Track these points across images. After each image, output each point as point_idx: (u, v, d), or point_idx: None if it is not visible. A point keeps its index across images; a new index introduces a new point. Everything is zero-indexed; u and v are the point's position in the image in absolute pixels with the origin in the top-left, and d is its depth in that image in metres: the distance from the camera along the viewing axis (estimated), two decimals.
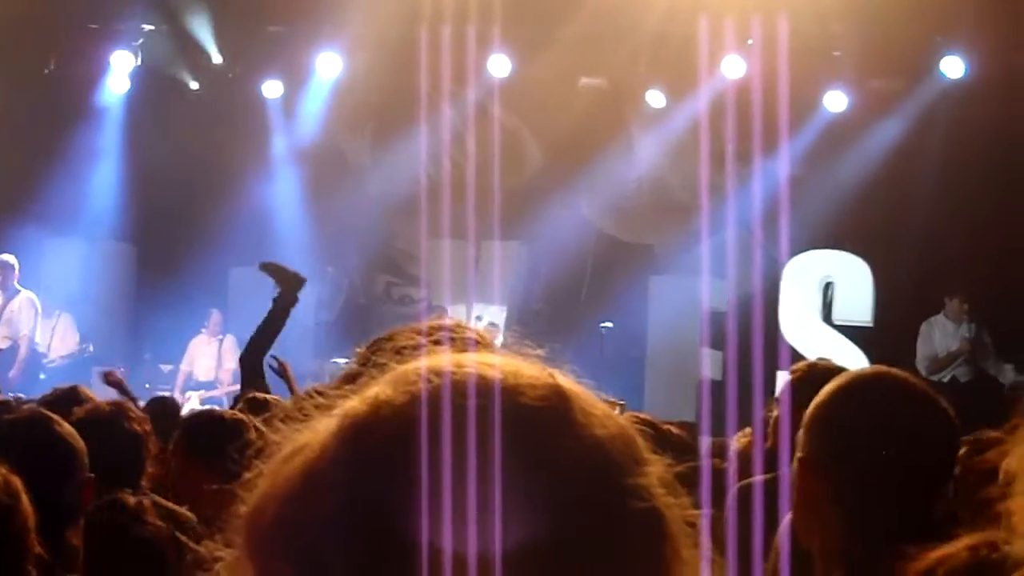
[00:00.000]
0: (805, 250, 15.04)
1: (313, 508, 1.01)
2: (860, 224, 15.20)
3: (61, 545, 3.58)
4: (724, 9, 13.38)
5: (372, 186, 16.73)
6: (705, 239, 14.76)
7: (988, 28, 14.06)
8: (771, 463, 2.96)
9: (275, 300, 8.24)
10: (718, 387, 14.29)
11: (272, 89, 16.32)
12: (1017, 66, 14.11)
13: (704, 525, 1.08)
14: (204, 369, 15.67)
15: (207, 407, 5.86)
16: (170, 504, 5.17)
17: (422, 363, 1.07)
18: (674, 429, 5.92)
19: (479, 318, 16.07)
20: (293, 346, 16.53)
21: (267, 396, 6.94)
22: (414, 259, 17.50)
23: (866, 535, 2.47)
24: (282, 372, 8.99)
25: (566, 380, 1.09)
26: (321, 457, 1.03)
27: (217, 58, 16.06)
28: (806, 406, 2.61)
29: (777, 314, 14.42)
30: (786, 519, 2.66)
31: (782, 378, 2.84)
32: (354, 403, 1.06)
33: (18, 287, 14.67)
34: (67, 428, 3.85)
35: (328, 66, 15.90)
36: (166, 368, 16.27)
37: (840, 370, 2.78)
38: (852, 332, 15.12)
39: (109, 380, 10.04)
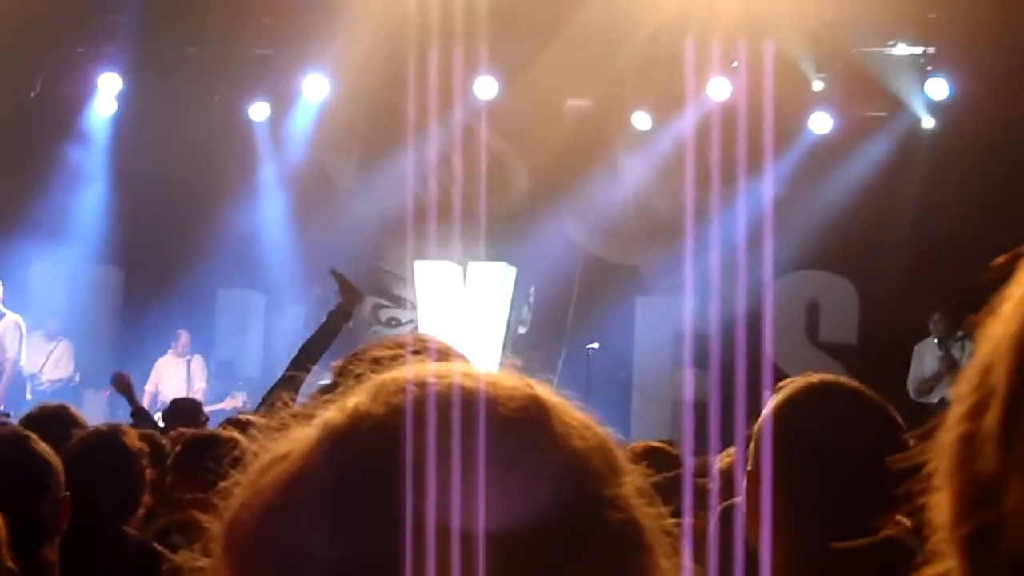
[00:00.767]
0: (790, 271, 15.10)
1: (293, 521, 1.00)
2: (845, 245, 15.24)
3: (37, 561, 3.59)
4: (710, 32, 13.45)
5: (359, 208, 16.73)
6: (690, 260, 14.79)
7: (972, 50, 14.14)
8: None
9: (331, 314, 8.26)
10: (702, 408, 14.31)
11: (259, 112, 16.34)
12: (1001, 87, 14.18)
13: (685, 534, 1.09)
14: (173, 390, 15.48)
15: (205, 429, 5.85)
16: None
17: (400, 373, 1.07)
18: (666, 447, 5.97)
19: (465, 339, 16.07)
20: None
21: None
22: (401, 281, 17.50)
23: (816, 545, 2.50)
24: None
25: (544, 390, 1.09)
26: (302, 469, 1.02)
27: (204, 81, 16.06)
28: (790, 423, 2.63)
29: (761, 335, 14.45)
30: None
31: (766, 398, 2.85)
32: (333, 413, 1.05)
33: (3, 310, 14.66)
34: (43, 446, 3.85)
35: (315, 88, 15.93)
36: None
37: (827, 385, 2.78)
38: (837, 351, 15.18)
39: (118, 383, 10.03)
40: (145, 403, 15.56)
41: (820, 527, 2.53)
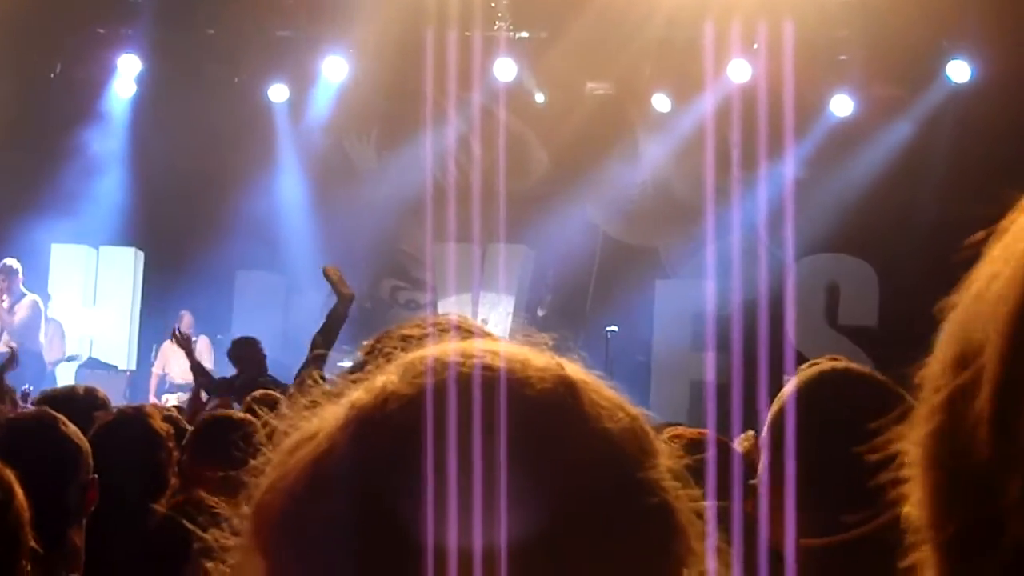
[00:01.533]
0: (810, 254, 15.05)
1: (320, 503, 0.99)
2: (865, 228, 15.19)
3: (61, 544, 3.59)
4: (730, 14, 13.40)
5: (378, 190, 16.72)
6: (709, 243, 14.77)
7: (994, 33, 14.06)
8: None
9: (329, 316, 8.48)
10: (723, 390, 14.29)
11: (278, 93, 16.34)
12: (1022, 70, 14.10)
13: (711, 517, 1.07)
14: (179, 371, 15.46)
15: (221, 410, 5.85)
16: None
17: (429, 352, 1.06)
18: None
19: (484, 322, 16.05)
20: (300, 349, 16.57)
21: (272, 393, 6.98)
22: (420, 263, 17.50)
23: (836, 525, 2.51)
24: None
25: (575, 370, 1.08)
26: (328, 450, 1.01)
27: (223, 62, 16.07)
28: (813, 406, 2.63)
29: (782, 318, 14.42)
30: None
31: (787, 381, 2.85)
32: (361, 393, 1.04)
33: (24, 290, 14.69)
34: (72, 429, 3.83)
35: (334, 70, 15.92)
36: None
37: (847, 368, 2.78)
38: (856, 335, 15.14)
39: (178, 337, 9.99)
40: (152, 385, 15.62)
41: (841, 508, 2.55)
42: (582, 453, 1.00)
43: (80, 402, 5.47)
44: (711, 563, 1.05)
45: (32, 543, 2.94)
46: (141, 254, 17.01)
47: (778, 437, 2.59)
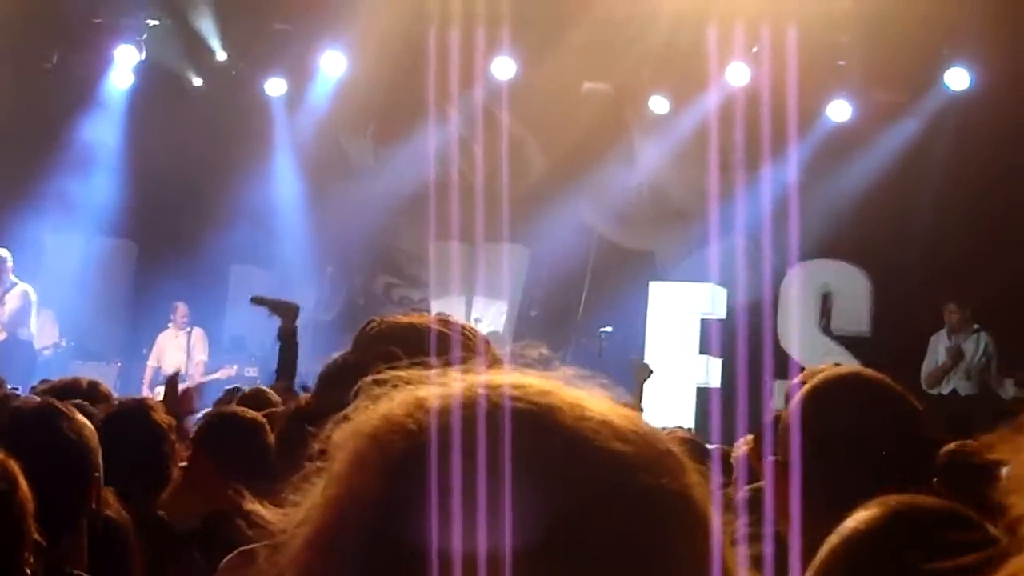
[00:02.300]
0: (804, 259, 15.04)
1: (338, 553, 1.00)
2: (860, 234, 15.19)
3: (68, 539, 3.55)
4: (733, 17, 13.39)
5: (374, 186, 16.71)
6: (706, 246, 14.76)
7: (993, 41, 14.06)
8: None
9: (278, 334, 8.52)
10: (713, 394, 14.30)
11: (275, 87, 16.31)
12: (1022, 79, 14.10)
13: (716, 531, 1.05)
14: (173, 363, 15.44)
15: (227, 408, 5.84)
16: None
17: (427, 391, 1.04)
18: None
19: (478, 321, 16.06)
20: None
21: (265, 390, 6.98)
22: (415, 260, 17.49)
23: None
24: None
25: (569, 398, 1.04)
26: (349, 499, 1.01)
27: (221, 55, 16.05)
28: (817, 413, 2.63)
29: (775, 323, 14.43)
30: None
31: (779, 387, 2.85)
32: (361, 440, 1.03)
33: (14, 280, 14.65)
34: (80, 421, 3.78)
35: (332, 65, 15.89)
36: None
37: (850, 376, 2.79)
38: (850, 342, 15.14)
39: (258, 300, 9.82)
40: (147, 377, 15.59)
41: (846, 511, 2.57)
42: (585, 482, 0.98)
43: (83, 395, 5.45)
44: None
45: (36, 536, 2.91)
46: (135, 246, 16.99)
47: (783, 437, 2.59)
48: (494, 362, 2.09)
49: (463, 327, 2.17)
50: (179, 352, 15.74)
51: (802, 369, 2.95)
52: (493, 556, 0.94)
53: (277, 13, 15.71)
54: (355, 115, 16.93)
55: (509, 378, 1.05)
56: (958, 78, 14.89)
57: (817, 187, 14.81)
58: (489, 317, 16.71)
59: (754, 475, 3.93)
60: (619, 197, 16.77)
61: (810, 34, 13.28)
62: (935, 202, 14.84)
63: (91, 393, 5.54)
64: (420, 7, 13.99)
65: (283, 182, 16.92)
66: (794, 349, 14.02)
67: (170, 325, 15.89)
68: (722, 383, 14.32)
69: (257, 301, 8.92)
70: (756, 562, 1.06)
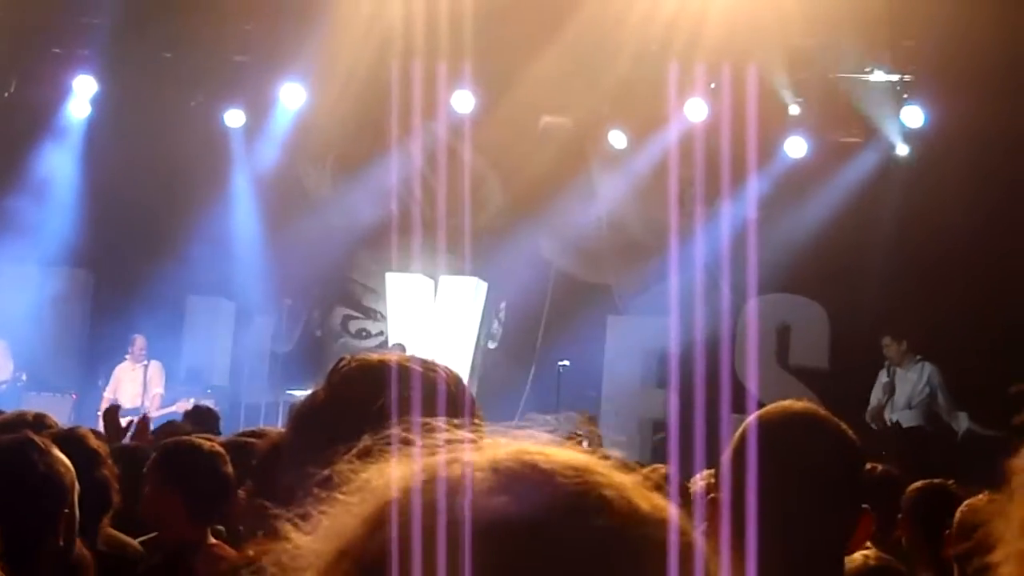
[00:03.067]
0: (763, 293, 15.10)
1: None
2: (818, 269, 15.27)
3: (30, 571, 3.53)
4: (690, 54, 13.47)
5: (332, 218, 16.69)
6: (664, 280, 14.80)
7: (949, 79, 14.19)
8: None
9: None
10: (672, 427, 14.31)
11: (234, 118, 16.28)
12: (977, 116, 14.24)
13: None
14: (129, 395, 15.42)
15: (185, 437, 5.80)
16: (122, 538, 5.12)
17: (403, 480, 1.03)
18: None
19: (435, 354, 16.03)
20: (249, 376, 16.51)
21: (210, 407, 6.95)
22: (372, 292, 17.46)
23: (799, 566, 2.55)
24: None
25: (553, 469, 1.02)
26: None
27: (180, 86, 16.00)
28: (772, 449, 2.64)
29: (732, 357, 14.45)
30: None
31: (738, 421, 2.86)
32: (348, 533, 1.02)
33: None
34: (53, 456, 3.74)
35: (291, 97, 15.88)
36: None
37: (805, 412, 2.80)
38: (808, 376, 15.19)
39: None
40: (103, 410, 15.47)
41: (802, 549, 2.60)
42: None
43: (28, 428, 5.39)
44: None
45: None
46: (92, 276, 16.89)
47: (739, 477, 2.60)
48: (472, 408, 2.10)
49: (435, 366, 2.18)
50: (136, 385, 15.65)
51: (759, 403, 2.95)
52: None
53: (236, 44, 15.69)
54: (314, 147, 16.92)
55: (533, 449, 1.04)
56: (913, 115, 15.01)
57: (775, 222, 14.89)
58: (447, 350, 16.68)
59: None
60: (578, 231, 16.81)
61: (768, 71, 13.39)
62: (892, 237, 14.94)
63: (36, 426, 5.49)
64: (381, 40, 14.01)
65: (241, 213, 16.88)
66: (752, 383, 14.04)
67: (127, 357, 15.79)
68: (679, 417, 14.33)
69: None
70: None
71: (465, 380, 2.17)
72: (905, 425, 14.37)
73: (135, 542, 5.27)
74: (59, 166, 16.40)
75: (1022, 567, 0.92)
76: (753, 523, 2.38)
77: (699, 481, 4.81)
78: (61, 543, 3.67)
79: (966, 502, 4.67)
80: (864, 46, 14.46)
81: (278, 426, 9.56)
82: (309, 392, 2.23)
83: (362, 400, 1.99)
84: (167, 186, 16.20)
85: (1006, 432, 14.11)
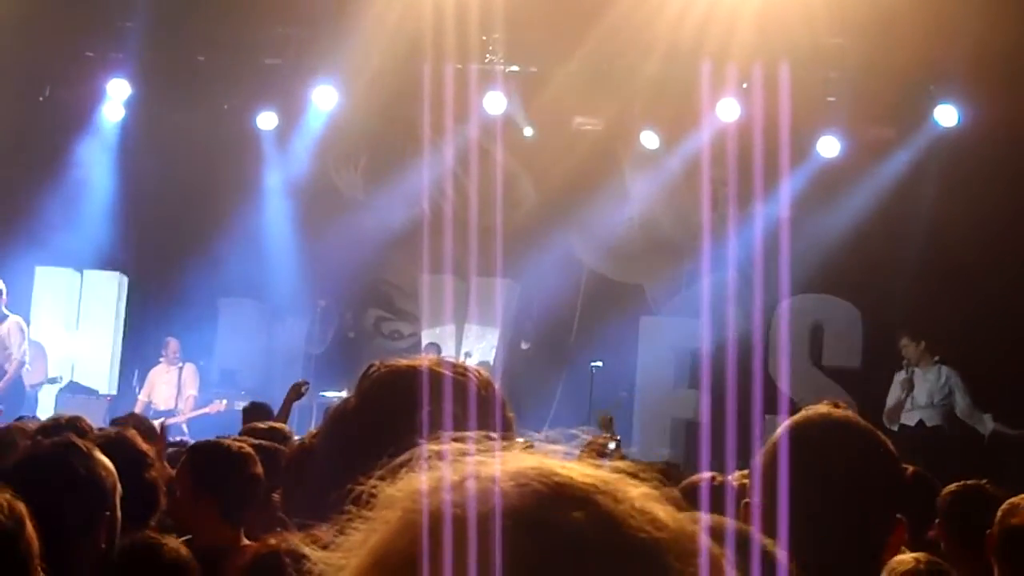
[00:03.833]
0: (796, 294, 15.06)
1: None
2: (851, 269, 15.22)
3: (74, 574, 3.54)
4: (721, 53, 13.44)
5: (364, 219, 16.72)
6: (697, 281, 14.77)
7: (982, 78, 14.11)
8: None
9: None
10: (706, 428, 14.28)
11: (267, 121, 16.32)
12: (1010, 115, 14.15)
13: None
14: (163, 398, 15.50)
15: (214, 437, 5.81)
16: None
17: (425, 494, 1.04)
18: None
19: (468, 355, 16.05)
20: (282, 378, 16.55)
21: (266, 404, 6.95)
22: (405, 294, 17.49)
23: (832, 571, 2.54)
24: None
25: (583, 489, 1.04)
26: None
27: (212, 89, 16.05)
28: (808, 456, 2.63)
29: (765, 357, 14.43)
30: None
31: (770, 422, 2.85)
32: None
33: (6, 312, 14.63)
34: (95, 460, 3.77)
35: (324, 99, 15.91)
36: None
37: (842, 420, 2.79)
38: (841, 376, 15.14)
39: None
40: (137, 412, 15.57)
41: (834, 559, 2.58)
42: None
43: (64, 431, 5.42)
44: None
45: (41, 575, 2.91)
46: (125, 279, 16.97)
47: (773, 483, 2.59)
48: (505, 413, 2.10)
49: (465, 370, 2.18)
50: (170, 387, 15.71)
51: (792, 403, 2.95)
52: None
53: (269, 47, 15.74)
54: (346, 149, 16.97)
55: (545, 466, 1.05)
56: (947, 115, 14.94)
57: (808, 222, 14.84)
58: (479, 351, 16.70)
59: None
60: (610, 231, 16.79)
61: (801, 70, 13.34)
62: (926, 237, 14.87)
63: (71, 429, 5.52)
64: (412, 41, 14.03)
65: (274, 215, 16.93)
66: (784, 383, 14.01)
67: (162, 360, 15.86)
68: (712, 418, 14.31)
69: None
70: None
71: (497, 382, 2.17)
72: (929, 424, 14.27)
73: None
74: (93, 169, 16.48)
75: None
76: (785, 530, 2.37)
77: (736, 480, 4.79)
78: (103, 546, 3.69)
79: (1008, 501, 4.62)
80: (897, 45, 14.39)
81: (311, 428, 9.61)
82: (342, 396, 2.24)
83: (392, 409, 2.01)
84: (200, 188, 16.27)
85: None
